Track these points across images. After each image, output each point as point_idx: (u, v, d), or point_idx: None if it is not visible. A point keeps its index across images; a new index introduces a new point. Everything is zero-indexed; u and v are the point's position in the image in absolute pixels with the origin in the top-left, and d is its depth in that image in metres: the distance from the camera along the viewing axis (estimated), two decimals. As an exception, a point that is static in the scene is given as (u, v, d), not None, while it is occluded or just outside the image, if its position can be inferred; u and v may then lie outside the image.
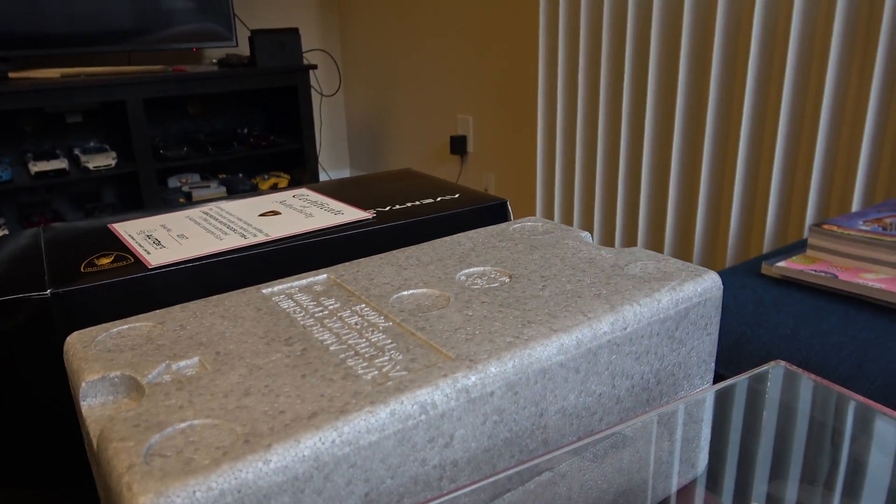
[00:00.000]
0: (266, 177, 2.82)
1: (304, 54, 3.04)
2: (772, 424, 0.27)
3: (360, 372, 0.24)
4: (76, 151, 2.34)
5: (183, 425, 0.21)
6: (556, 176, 1.96)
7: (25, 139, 2.41)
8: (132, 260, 0.36)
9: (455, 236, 0.38)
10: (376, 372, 0.24)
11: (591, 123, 1.84)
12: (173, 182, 2.68)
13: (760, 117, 1.43)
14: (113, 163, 2.29)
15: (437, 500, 0.19)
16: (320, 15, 3.18)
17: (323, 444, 0.20)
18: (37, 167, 2.16)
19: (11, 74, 2.14)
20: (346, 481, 0.21)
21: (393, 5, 2.83)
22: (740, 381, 0.26)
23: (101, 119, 2.54)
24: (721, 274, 0.93)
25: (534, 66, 2.23)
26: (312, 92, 3.08)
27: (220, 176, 2.83)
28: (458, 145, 2.62)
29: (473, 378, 0.24)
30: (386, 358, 0.25)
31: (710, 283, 0.31)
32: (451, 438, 0.23)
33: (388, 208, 0.44)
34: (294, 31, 2.62)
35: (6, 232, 2.14)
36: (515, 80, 2.33)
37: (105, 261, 0.36)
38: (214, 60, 2.77)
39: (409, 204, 0.45)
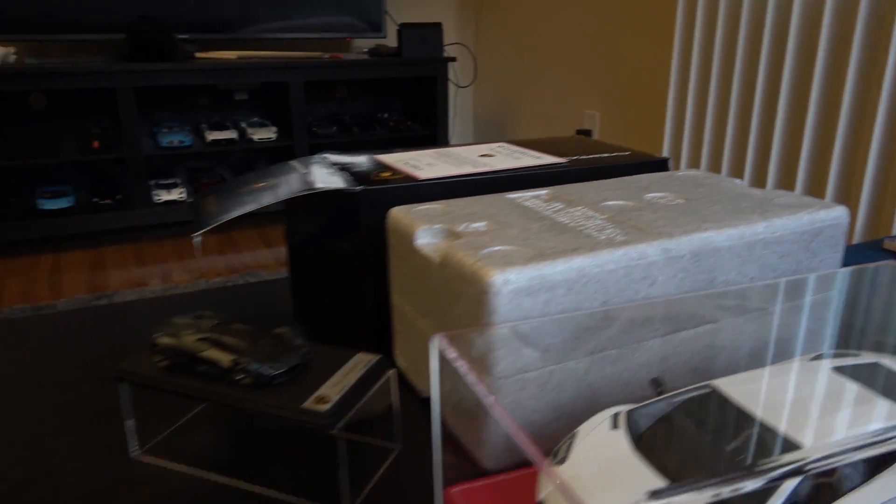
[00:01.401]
0: (399, 159, 3.02)
1: (444, 47, 3.21)
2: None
3: (595, 235, 0.37)
4: (242, 125, 2.64)
5: (496, 248, 0.35)
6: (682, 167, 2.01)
7: (200, 112, 2.74)
8: (403, 175, 0.51)
9: (634, 176, 0.51)
10: (605, 237, 0.37)
11: (720, 124, 1.88)
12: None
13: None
14: (273, 136, 2.57)
15: (644, 302, 0.32)
16: (459, 11, 3.36)
17: (583, 263, 0.34)
18: (212, 135, 2.47)
19: (197, 55, 2.45)
20: (593, 290, 0.34)
21: (526, 2, 2.95)
22: (867, 268, 0.37)
23: (262, 98, 2.83)
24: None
25: (665, 66, 2.29)
26: (449, 82, 3.25)
27: (358, 156, 3.06)
28: (584, 140, 2.71)
29: (671, 244, 0.36)
30: (609, 230, 0.38)
31: (839, 213, 0.42)
32: (654, 281, 0.36)
33: (574, 157, 0.57)
34: (437, 26, 2.80)
35: (183, 190, 2.45)
36: (645, 78, 2.39)
37: (386, 174, 0.51)
38: (365, 49, 3.00)
39: (590, 156, 0.58)
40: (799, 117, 1.72)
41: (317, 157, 0.59)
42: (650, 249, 0.36)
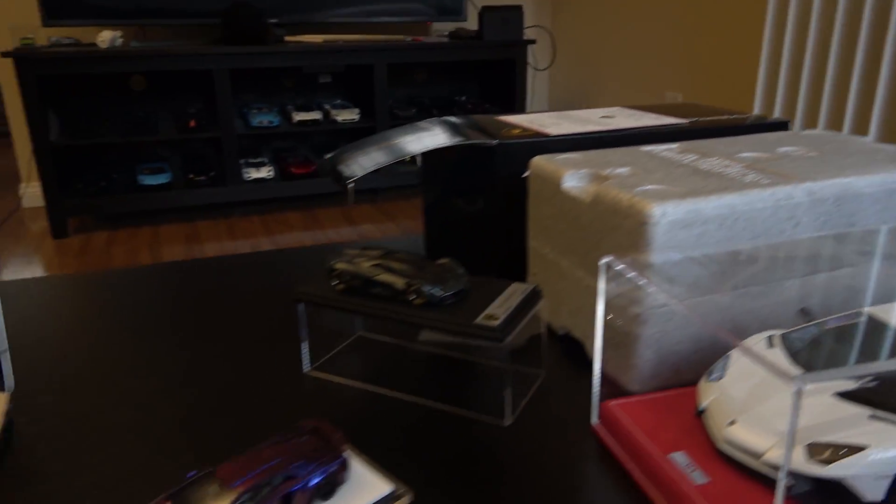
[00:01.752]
0: (475, 142, 3.05)
1: (524, 30, 3.21)
2: None
3: (739, 178, 0.39)
4: (326, 106, 2.72)
5: (648, 187, 0.38)
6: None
7: (285, 93, 2.84)
8: (533, 132, 0.54)
9: (760, 134, 0.52)
10: (750, 180, 0.39)
11: (813, 111, 1.83)
12: (396, 141, 3.01)
13: None
14: (356, 117, 2.64)
15: (790, 241, 0.34)
16: (538, -7, 3.35)
17: (734, 201, 0.36)
18: (298, 116, 2.56)
19: (287, 38, 2.54)
20: (742, 227, 0.37)
21: (612, -16, 2.92)
22: None
23: (344, 80, 2.91)
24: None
25: (755, 45, 2.23)
26: (527, 66, 3.25)
27: (435, 139, 3.11)
28: (664, 124, 2.67)
29: (815, 187, 0.38)
30: (752, 175, 0.40)
31: (981, 164, 0.42)
32: (799, 222, 0.38)
33: (695, 119, 0.59)
34: (518, 9, 2.81)
35: (271, 168, 2.56)
36: (731, 58, 2.34)
37: (516, 131, 0.54)
38: (445, 33, 3.04)
39: (710, 118, 0.59)
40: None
41: (441, 118, 0.62)
42: (796, 191, 0.37)
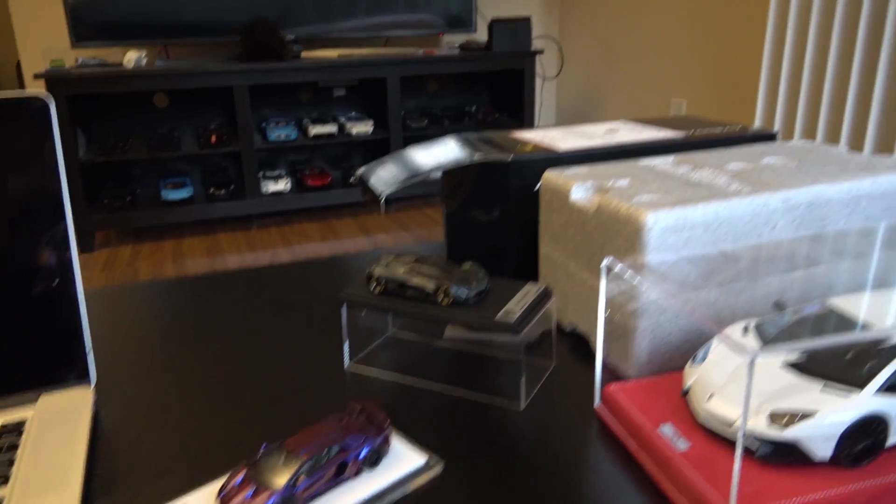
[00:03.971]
0: (487, 151, 3.12)
1: (532, 40, 3.28)
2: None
3: (724, 188, 0.45)
4: (341, 119, 2.80)
5: (644, 197, 0.43)
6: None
7: (301, 107, 2.92)
8: (545, 148, 0.60)
9: (748, 145, 0.58)
10: (733, 189, 0.44)
11: (812, 119, 1.87)
12: (409, 151, 3.09)
13: None
14: (370, 130, 2.72)
15: (767, 242, 0.40)
16: (545, 3, 3.41)
17: (718, 208, 0.42)
18: (314, 130, 2.64)
19: (303, 54, 2.63)
20: (725, 231, 0.42)
21: (619, -6, 2.98)
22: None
23: (358, 93, 2.99)
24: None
25: (756, 54, 2.28)
26: (536, 76, 3.31)
27: (447, 148, 3.18)
28: (672, 129, 2.72)
29: (789, 194, 0.44)
30: (736, 185, 0.45)
31: (941, 172, 0.47)
32: (775, 225, 0.44)
33: (692, 132, 0.64)
34: (526, 20, 2.88)
35: (288, 181, 2.64)
36: (735, 67, 2.39)
37: (528, 147, 0.60)
38: (457, 45, 3.12)
39: (704, 131, 0.65)
40: (893, 107, 1.70)
41: (458, 135, 0.69)
42: (772, 198, 0.43)
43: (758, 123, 2.06)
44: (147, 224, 2.53)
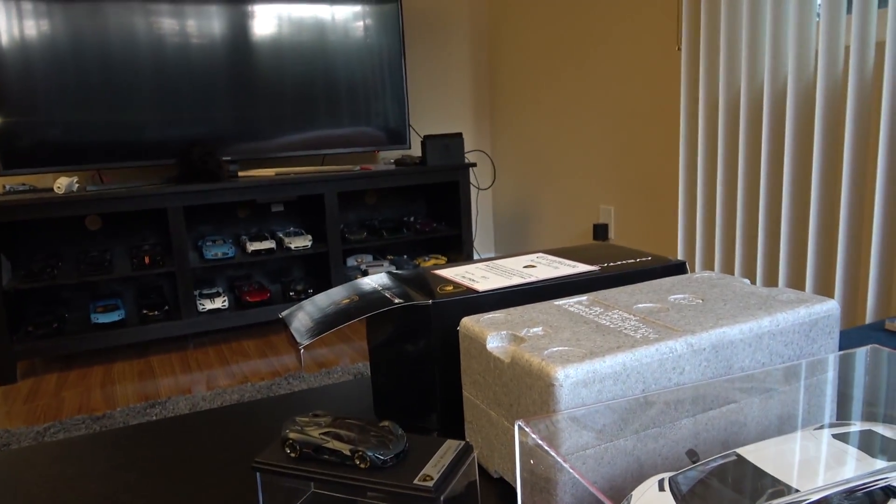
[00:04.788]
0: (427, 258, 3.16)
1: (465, 154, 3.42)
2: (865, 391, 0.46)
3: (632, 335, 0.46)
4: (279, 234, 2.80)
5: (555, 349, 0.44)
6: (697, 260, 2.11)
7: (239, 224, 2.92)
8: (465, 288, 0.61)
9: (658, 280, 0.60)
10: (640, 336, 0.46)
11: (730, 214, 1.99)
12: (351, 261, 3.10)
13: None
14: (309, 244, 2.73)
15: (676, 388, 0.41)
16: (476, 120, 3.59)
17: (625, 359, 0.43)
18: (252, 246, 2.63)
19: (240, 174, 2.66)
20: (635, 380, 0.43)
21: (539, 109, 3.16)
22: (853, 352, 0.45)
23: (297, 208, 3.02)
24: (849, 331, 1.06)
25: (674, 161, 2.43)
26: (470, 186, 3.43)
27: (388, 257, 3.21)
28: (600, 233, 2.83)
29: (693, 340, 0.45)
30: (643, 330, 0.47)
31: (831, 306, 0.50)
32: (683, 370, 0.45)
33: (605, 265, 0.67)
34: (458, 136, 3.01)
35: (225, 298, 2.59)
36: (656, 174, 2.53)
37: (449, 288, 0.61)
38: (392, 161, 3.21)
39: (618, 262, 0.68)
40: (803, 211, 1.82)
41: (381, 274, 0.69)
42: (677, 345, 0.45)
43: (681, 222, 2.17)
44: (76, 350, 2.41)
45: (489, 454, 0.50)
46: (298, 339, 0.56)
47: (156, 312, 2.51)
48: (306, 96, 2.81)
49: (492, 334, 0.49)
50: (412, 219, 3.20)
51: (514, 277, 0.63)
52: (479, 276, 0.65)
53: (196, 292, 2.66)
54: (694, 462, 0.40)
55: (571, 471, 0.41)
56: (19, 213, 2.27)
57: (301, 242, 2.72)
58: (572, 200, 3.05)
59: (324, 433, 0.44)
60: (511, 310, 0.54)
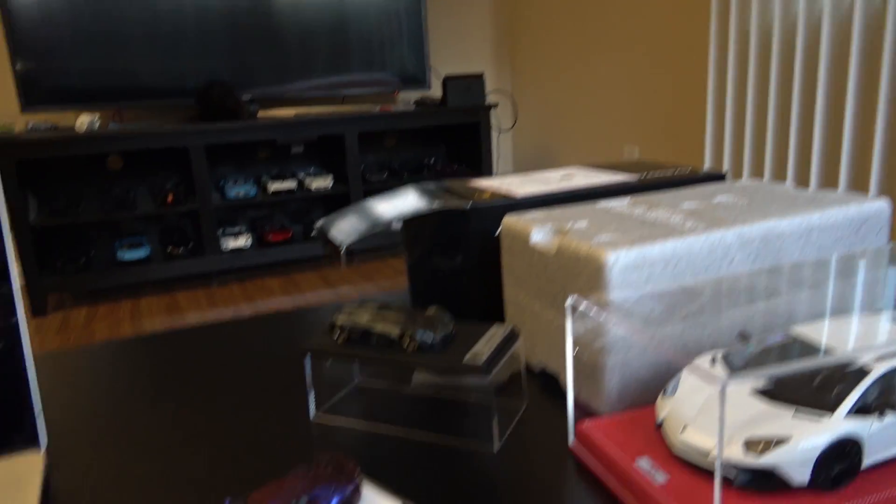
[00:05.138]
0: (447, 202, 3.15)
1: (486, 95, 3.37)
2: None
3: (681, 226, 0.46)
4: (300, 175, 2.81)
5: (603, 237, 0.44)
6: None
7: (260, 165, 2.92)
8: (502, 195, 0.61)
9: (701, 186, 0.59)
10: (689, 226, 0.46)
11: (759, 157, 1.95)
12: (369, 205, 3.11)
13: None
14: (329, 185, 2.73)
15: (726, 277, 0.41)
16: (497, 59, 3.52)
17: (675, 245, 0.43)
18: (273, 186, 2.63)
19: (260, 113, 2.64)
20: (684, 267, 0.43)
21: (561, 47, 3.10)
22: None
23: (317, 150, 3.01)
24: None
25: (701, 99, 2.38)
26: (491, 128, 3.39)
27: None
28: (626, 176, 2.80)
29: (744, 229, 0.45)
30: (691, 223, 0.47)
31: (882, 205, 0.50)
32: (732, 260, 0.45)
33: (644, 175, 0.66)
34: (479, 76, 2.96)
35: (248, 237, 2.61)
36: (682, 111, 2.48)
37: (486, 195, 0.61)
38: (412, 101, 3.18)
39: (657, 173, 0.67)
40: (835, 150, 1.78)
41: (418, 185, 0.69)
42: (728, 234, 0.44)
43: (707, 164, 2.14)
44: (102, 285, 2.46)
45: (532, 348, 0.51)
46: (340, 239, 0.56)
47: (180, 250, 2.54)
48: (327, 36, 2.77)
49: (535, 228, 0.49)
50: (432, 160, 3.18)
51: (552, 185, 0.63)
52: (515, 184, 0.65)
53: (219, 230, 2.68)
54: (746, 343, 0.40)
55: (634, 336, 0.42)
56: (42, 151, 2.28)
57: (321, 183, 2.72)
58: (596, 141, 3.01)
59: (371, 317, 0.45)
60: (551, 210, 0.54)
